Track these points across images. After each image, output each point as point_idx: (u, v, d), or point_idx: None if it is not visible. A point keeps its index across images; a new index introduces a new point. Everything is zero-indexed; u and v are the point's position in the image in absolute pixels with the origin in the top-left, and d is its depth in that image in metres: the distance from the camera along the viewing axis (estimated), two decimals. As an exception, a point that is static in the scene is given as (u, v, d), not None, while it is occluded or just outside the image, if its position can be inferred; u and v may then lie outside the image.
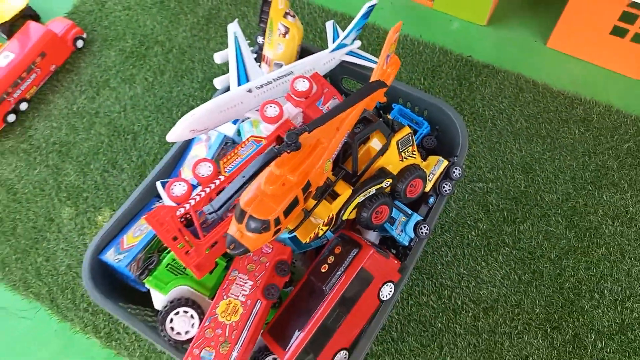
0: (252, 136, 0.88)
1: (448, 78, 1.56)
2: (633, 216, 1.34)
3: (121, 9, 1.79)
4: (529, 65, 1.59)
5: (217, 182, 0.84)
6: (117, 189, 1.46)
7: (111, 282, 1.01)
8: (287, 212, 0.73)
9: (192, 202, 0.82)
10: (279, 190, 0.72)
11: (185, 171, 1.07)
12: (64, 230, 1.42)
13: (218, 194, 0.81)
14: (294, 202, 0.74)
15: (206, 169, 0.85)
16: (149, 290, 0.99)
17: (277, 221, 0.73)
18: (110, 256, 0.97)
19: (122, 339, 1.27)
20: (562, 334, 1.21)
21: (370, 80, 0.84)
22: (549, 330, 1.22)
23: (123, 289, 1.02)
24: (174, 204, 0.83)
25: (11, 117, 1.57)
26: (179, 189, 0.83)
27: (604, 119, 1.48)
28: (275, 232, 0.74)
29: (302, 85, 0.89)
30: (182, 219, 0.84)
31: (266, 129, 0.90)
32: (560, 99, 1.51)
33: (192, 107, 1.56)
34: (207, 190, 0.83)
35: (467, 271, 1.30)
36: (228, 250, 0.74)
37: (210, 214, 0.71)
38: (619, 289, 1.26)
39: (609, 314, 1.23)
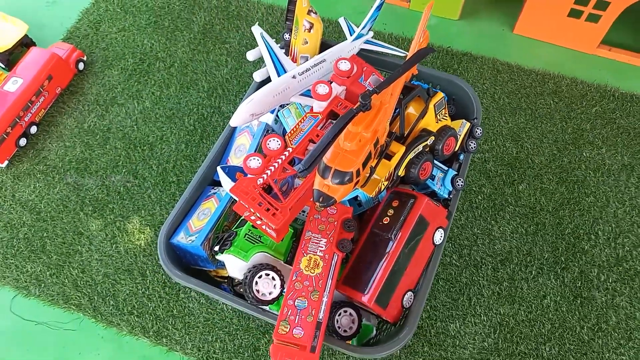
0: (309, 112, 0.99)
1: (434, 66, 1.74)
2: (610, 167, 1.54)
3: (116, 30, 1.86)
4: (501, 50, 1.79)
5: (287, 153, 0.95)
6: (142, 196, 1.52)
7: (180, 267, 1.08)
8: (364, 164, 0.85)
9: (269, 172, 0.92)
10: (357, 145, 0.84)
11: (233, 159, 1.17)
12: (95, 241, 1.45)
13: (290, 163, 0.91)
14: (369, 156, 0.86)
15: (275, 144, 0.95)
16: (211, 272, 1.07)
17: (357, 172, 0.84)
18: (182, 239, 1.04)
19: (171, 334, 1.32)
20: (570, 273, 1.38)
21: (410, 53, 0.98)
22: (559, 271, 1.39)
23: (190, 273, 1.09)
24: (231, 186, 0.92)
25: (23, 141, 1.59)
26: (255, 162, 0.93)
27: (572, 89, 1.69)
28: (356, 183, 0.86)
29: (345, 66, 1.02)
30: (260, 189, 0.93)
31: (319, 106, 1.01)
32: (533, 76, 1.72)
33: (204, 115, 1.65)
34: (280, 161, 0.94)
35: (480, 230, 1.45)
36: (317, 204, 0.85)
37: (301, 172, 0.81)
38: (610, 229, 1.44)
39: (606, 250, 1.41)
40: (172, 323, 1.33)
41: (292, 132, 0.97)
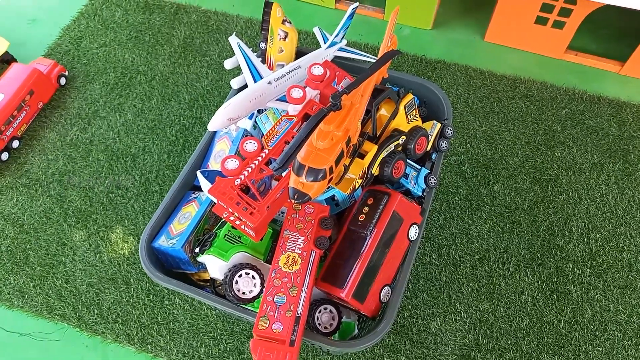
0: (284, 116, 1.03)
1: (408, 73, 1.79)
2: (581, 166, 1.60)
3: (97, 46, 1.89)
4: (473, 57, 1.85)
5: (263, 155, 0.98)
6: (126, 206, 1.53)
7: (163, 270, 1.10)
8: (337, 161, 0.89)
9: (246, 173, 0.96)
10: (329, 143, 0.88)
11: (213, 164, 1.20)
12: (79, 252, 1.46)
13: (266, 164, 0.95)
14: (341, 154, 0.90)
15: (252, 146, 0.99)
16: (193, 275, 1.09)
17: (331, 169, 0.88)
18: (164, 242, 1.06)
19: (156, 341, 1.33)
20: (546, 269, 1.42)
21: (379, 56, 1.02)
22: (535, 267, 1.43)
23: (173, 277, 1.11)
24: (209, 192, 0.95)
25: (4, 156, 1.60)
26: (232, 164, 0.96)
27: (542, 93, 1.76)
28: (329, 180, 0.89)
29: (318, 71, 1.06)
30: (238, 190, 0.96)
31: (294, 110, 1.05)
32: (504, 81, 1.78)
33: (185, 125, 1.68)
34: (257, 162, 0.97)
35: (458, 230, 1.49)
36: (293, 201, 0.88)
37: (276, 170, 0.84)
38: (583, 225, 1.49)
39: (580, 246, 1.46)
40: (157, 330, 1.34)
41: (268, 134, 1.01)
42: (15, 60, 1.81)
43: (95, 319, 1.36)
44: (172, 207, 1.13)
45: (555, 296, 1.38)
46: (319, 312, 1.02)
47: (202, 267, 1.09)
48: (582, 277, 1.41)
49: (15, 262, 1.45)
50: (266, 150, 0.99)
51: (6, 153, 1.61)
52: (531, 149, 1.63)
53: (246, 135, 1.21)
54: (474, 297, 1.38)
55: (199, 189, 1.16)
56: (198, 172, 1.09)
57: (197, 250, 1.01)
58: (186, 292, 1.01)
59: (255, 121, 1.23)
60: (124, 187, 1.57)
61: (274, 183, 1.03)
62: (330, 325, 1.02)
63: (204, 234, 1.10)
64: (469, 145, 1.64)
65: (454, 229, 1.49)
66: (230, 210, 0.93)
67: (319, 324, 1.02)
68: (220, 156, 1.19)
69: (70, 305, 1.38)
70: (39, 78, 1.67)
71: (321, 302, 1.02)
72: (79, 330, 1.36)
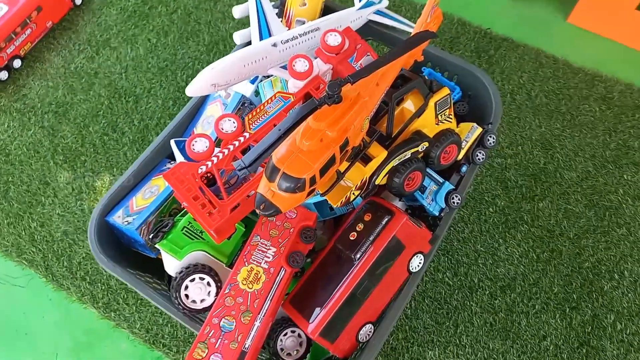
0: (279, 92, 0.81)
1: (466, 50, 1.50)
2: (654, 197, 1.30)
3: (122, -35, 1.68)
4: (548, 40, 1.53)
5: (242, 139, 0.78)
6: (118, 153, 1.38)
7: (117, 247, 0.95)
8: (323, 170, 0.67)
9: (215, 159, 0.76)
10: (316, 146, 0.66)
11: (199, 131, 1.00)
12: (60, 195, 1.34)
13: (243, 152, 0.74)
14: (331, 161, 0.68)
15: (230, 125, 0.78)
16: (157, 258, 0.93)
17: (313, 180, 0.67)
18: (119, 218, 0.90)
19: (121, 309, 1.21)
20: (580, 315, 1.18)
21: (411, 36, 0.77)
22: (567, 310, 1.19)
23: (129, 255, 0.96)
24: (164, 176, 0.76)
25: (3, 75, 1.47)
26: (201, 145, 0.76)
27: (625, 97, 1.43)
28: (309, 193, 0.68)
29: (334, 40, 0.83)
30: (203, 179, 0.77)
31: (294, 86, 0.83)
32: (581, 75, 1.46)
33: (199, 71, 1.48)
34: (231, 147, 0.77)
35: (484, 248, 1.25)
36: (257, 211, 0.68)
37: (240, 169, 0.64)
38: (639, 270, 1.22)
39: (629, 295, 1.20)
40: (124, 297, 1.22)
41: (253, 113, 0.79)
42: (31, -30, 1.64)
43: (64, 272, 1.25)
44: (141, 175, 0.96)
45: (584, 350, 1.15)
46: (284, 334, 0.84)
47: (163, 253, 0.93)
48: (624, 334, 1.16)
49: (-6, 194, 1.34)
50: (247, 134, 0.78)
51: (6, 72, 1.47)
52: (595, 165, 1.34)
53: (243, 103, 1.01)
54: (486, 331, 1.17)
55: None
56: (172, 141, 0.90)
57: (150, 236, 0.84)
58: (132, 286, 0.85)
59: (258, 87, 1.01)
60: (120, 131, 1.41)
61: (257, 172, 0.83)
62: (296, 351, 0.85)
63: (169, 215, 0.93)
64: (519, 147, 1.37)
65: (479, 246, 1.26)
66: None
67: (281, 349, 0.84)
68: (209, 123, 0.99)
69: (40, 252, 1.27)
70: (49, -7, 1.50)
71: (288, 323, 0.84)
72: (45, 281, 1.25)
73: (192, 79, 1.44)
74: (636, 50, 1.51)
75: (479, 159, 0.92)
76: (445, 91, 0.82)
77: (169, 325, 1.19)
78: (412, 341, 1.16)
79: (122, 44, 1.54)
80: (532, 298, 1.20)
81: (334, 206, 0.77)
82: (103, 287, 1.23)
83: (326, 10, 1.06)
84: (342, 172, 0.75)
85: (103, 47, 1.54)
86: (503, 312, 1.19)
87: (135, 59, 1.51)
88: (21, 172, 1.37)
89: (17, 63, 1.49)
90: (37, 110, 1.45)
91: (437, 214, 0.89)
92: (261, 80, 1.02)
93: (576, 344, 1.15)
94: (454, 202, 0.89)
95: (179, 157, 0.92)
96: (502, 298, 1.20)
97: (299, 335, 0.85)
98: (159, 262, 0.93)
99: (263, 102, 0.81)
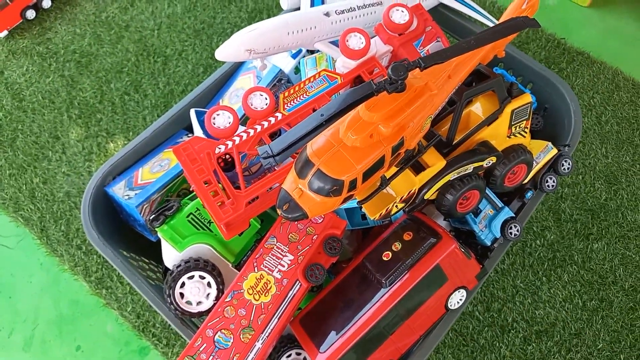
0: (324, 70, 0.67)
1: (535, 58, 1.33)
2: None
3: None
4: (631, 60, 1.36)
5: (273, 120, 0.64)
6: (137, 116, 1.27)
7: (114, 221, 0.83)
8: (367, 174, 0.54)
9: (237, 139, 0.62)
10: (365, 142, 0.52)
11: (225, 103, 0.87)
12: (69, 152, 1.23)
13: (271, 136, 0.61)
14: (379, 163, 0.54)
15: (261, 101, 0.65)
16: (158, 241, 0.81)
17: (353, 184, 0.53)
18: (119, 190, 0.78)
19: (114, 287, 1.10)
20: (626, 379, 1.02)
21: (502, 19, 0.63)
22: (610, 370, 1.03)
23: (126, 233, 0.84)
24: (174, 151, 0.63)
25: (30, 13, 1.36)
26: (223, 119, 0.63)
27: None
28: (346, 199, 0.55)
29: (401, 17, 0.68)
30: (220, 160, 0.64)
31: (344, 65, 0.69)
32: (662, 106, 1.29)
33: (236, 39, 1.36)
34: (258, 128, 0.63)
35: (524, 285, 1.10)
36: (279, 211, 0.54)
37: (265, 158, 0.51)
38: (701, 338, 1.06)
39: (685, 366, 1.04)
40: (119, 275, 1.11)
41: (291, 91, 0.66)
42: None
43: (59, 236, 1.15)
44: (152, 145, 0.83)
45: (624, 421, 1.00)
46: (288, 356, 0.71)
47: (163, 237, 0.80)
48: (673, 410, 1.00)
49: (0, 141, 1.24)
50: (279, 115, 0.64)
51: (33, 11, 1.37)
52: (666, 210, 1.17)
53: (280, 79, 0.87)
54: (513, 379, 1.03)
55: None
56: (192, 111, 0.77)
57: (150, 218, 0.71)
58: (122, 272, 0.73)
59: (299, 63, 0.87)
60: (142, 92, 1.29)
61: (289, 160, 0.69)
62: (299, 377, 0.72)
63: (177, 195, 0.80)
64: (580, 177, 1.21)
65: (518, 282, 1.10)
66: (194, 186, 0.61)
67: (282, 373, 0.71)
68: (238, 96, 0.86)
69: (39, 211, 1.17)
70: None
71: (294, 343, 0.71)
72: (38, 243, 1.15)
73: (228, 47, 1.33)
74: None
75: (548, 186, 0.77)
76: (527, 98, 0.67)
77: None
78: (428, 377, 1.02)
79: (160, -2, 1.42)
80: (571, 350, 1.05)
81: (372, 218, 0.63)
82: (98, 261, 1.12)
83: (391, -14, 0.91)
84: (387, 178, 0.60)
85: (139, -1, 1.42)
86: (536, 361, 1.04)
87: (171, 17, 1.39)
88: (32, 122, 1.27)
89: (46, 3, 1.38)
90: (59, 57, 1.34)
91: (488, 243, 0.75)
92: (304, 56, 0.88)
93: (616, 413, 1.00)
94: (511, 233, 0.74)
95: (197, 131, 0.79)
96: (537, 345, 1.05)
97: (305, 359, 0.72)
98: (159, 245, 0.81)
99: (303, 79, 0.67)
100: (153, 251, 0.85)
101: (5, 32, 1.35)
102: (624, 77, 1.33)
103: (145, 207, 0.76)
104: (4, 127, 1.26)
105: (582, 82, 1.32)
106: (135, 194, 0.76)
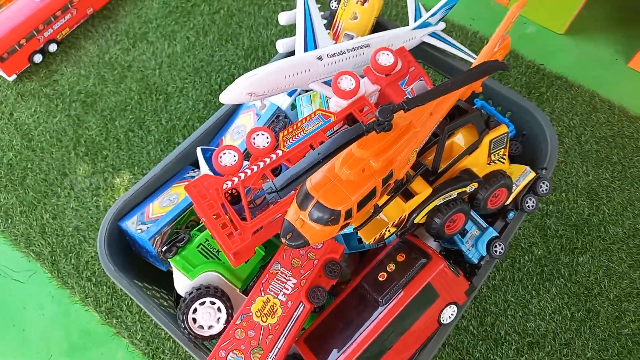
0: (319, 109, 0.74)
1: (516, 84, 1.42)
2: None
3: (170, -40, 1.65)
4: (605, 83, 1.44)
5: (274, 157, 0.71)
6: (141, 151, 1.33)
7: (127, 254, 0.89)
8: (361, 204, 0.60)
9: (242, 176, 0.69)
10: (357, 176, 0.59)
11: (227, 141, 0.94)
12: (77, 188, 1.29)
13: (273, 171, 0.67)
14: (371, 194, 0.61)
15: (263, 140, 0.71)
16: (169, 271, 0.86)
17: (349, 213, 0.59)
18: (132, 225, 0.84)
19: (124, 317, 1.15)
20: (615, 386, 1.08)
21: (476, 62, 0.70)
22: (600, 379, 1.08)
23: (138, 264, 0.89)
24: (186, 189, 0.70)
25: (38, 57, 1.44)
26: (229, 158, 0.70)
27: (684, 154, 1.33)
28: (343, 227, 0.61)
29: (386, 59, 0.76)
30: (227, 195, 0.71)
31: (336, 105, 0.76)
32: (637, 125, 1.37)
33: (234, 75, 1.43)
34: (261, 164, 0.70)
35: (515, 299, 1.16)
36: (283, 240, 0.61)
37: (270, 193, 0.57)
38: (685, 345, 1.12)
39: (671, 371, 1.09)
40: (128, 304, 1.16)
41: (289, 130, 0.73)
42: (80, -45, 1.62)
43: (70, 269, 1.20)
44: (161, 181, 0.90)
45: None
46: (294, 374, 0.77)
47: (174, 267, 0.86)
48: (662, 414, 1.05)
49: (11, 180, 1.30)
50: (279, 152, 0.71)
51: (40, 55, 1.44)
52: (645, 223, 1.24)
53: (278, 116, 0.94)
54: (509, 391, 1.08)
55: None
56: (198, 149, 0.84)
57: (162, 249, 0.77)
58: (136, 300, 0.79)
59: (295, 100, 0.95)
60: (146, 128, 1.36)
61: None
62: (304, 394, 0.77)
63: (186, 227, 0.86)
64: (563, 194, 1.28)
65: (509, 296, 1.16)
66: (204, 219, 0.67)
67: (289, 390, 0.76)
68: (239, 133, 0.93)
69: (49, 245, 1.22)
70: (94, -20, 1.47)
71: (299, 362, 0.77)
72: (49, 277, 1.20)
73: (226, 83, 1.41)
74: (700, 105, 1.41)
75: (528, 207, 0.83)
76: (503, 129, 0.75)
77: (171, 340, 1.12)
78: (427, 391, 1.07)
79: (159, 39, 1.50)
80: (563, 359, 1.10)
81: (367, 242, 0.70)
82: (108, 291, 1.17)
83: (377, 27, 1.00)
84: (379, 206, 0.67)
85: (140, 40, 1.50)
86: (529, 372, 1.09)
87: (171, 56, 1.47)
88: (41, 160, 1.33)
89: (52, 47, 1.46)
90: (66, 98, 1.41)
91: (476, 261, 0.81)
92: (299, 94, 0.96)
93: (608, 419, 1.05)
94: (496, 251, 0.80)
95: (203, 167, 0.85)
96: (529, 356, 1.11)
97: (310, 377, 0.77)
98: (169, 275, 0.86)
99: (300, 119, 0.74)
100: (164, 281, 0.91)
101: (14, 76, 1.42)
102: (600, 99, 1.41)
103: (157, 239, 0.82)
104: (15, 166, 1.32)
105: (562, 105, 1.40)
106: (148, 227, 0.82)
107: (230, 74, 1.44)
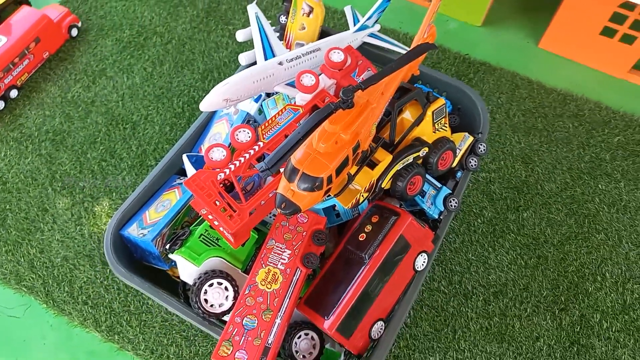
0: (288, 105, 0.87)
1: (448, 74, 1.60)
2: (627, 204, 1.40)
3: None
4: (522, 64, 1.65)
5: (257, 148, 0.83)
6: (116, 178, 1.41)
7: (129, 262, 0.97)
8: (338, 170, 0.73)
9: (232, 167, 0.81)
10: (332, 147, 0.72)
11: (206, 148, 1.05)
12: (59, 220, 1.35)
13: (258, 160, 0.80)
14: (345, 161, 0.74)
15: (245, 136, 0.84)
16: (167, 271, 0.96)
17: (330, 179, 0.72)
18: (134, 231, 0.93)
19: (125, 332, 1.21)
20: (569, 315, 1.24)
21: (411, 47, 0.85)
22: (556, 312, 1.25)
23: (142, 271, 0.98)
24: (185, 184, 0.81)
25: (0, 105, 1.49)
26: (218, 154, 0.81)
27: (594, 114, 1.55)
28: (326, 192, 0.74)
29: (337, 57, 0.90)
30: (221, 186, 0.82)
31: (302, 99, 0.89)
32: (554, 95, 1.58)
33: (194, 98, 1.54)
34: (247, 156, 0.82)
35: (475, 257, 1.32)
36: (279, 210, 0.73)
37: (262, 171, 0.69)
38: (619, 271, 1.30)
39: (612, 295, 1.27)
40: (127, 319, 1.22)
41: (266, 124, 0.85)
42: (28, 4, 1.69)
43: (65, 297, 1.25)
44: (152, 191, 1.00)
45: (575, 349, 1.21)
46: (298, 337, 0.88)
47: (175, 264, 0.95)
48: (610, 332, 1.22)
49: (-9, 222, 1.34)
50: (260, 143, 0.84)
51: (2, 102, 1.50)
52: (572, 176, 1.44)
53: (248, 120, 1.06)
54: (482, 335, 1.22)
55: (186, 174, 1.02)
56: (184, 156, 0.94)
57: (167, 246, 0.87)
58: (150, 294, 0.88)
59: (262, 105, 1.07)
60: (118, 157, 1.44)
61: (269, 179, 0.88)
62: (310, 354, 0.88)
63: (182, 228, 0.96)
64: (502, 162, 1.46)
65: (470, 255, 1.32)
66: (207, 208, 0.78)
67: (296, 352, 0.87)
68: (216, 140, 1.05)
69: (40, 278, 1.27)
70: (47, 25, 1.55)
71: (301, 326, 0.88)
72: (45, 307, 1.25)
73: (188, 106, 1.52)
74: (602, 72, 1.64)
75: (472, 165, 0.99)
76: (441, 101, 0.90)
77: (174, 345, 1.20)
78: (413, 349, 1.20)
79: (118, 73, 1.59)
80: (524, 302, 1.26)
81: (345, 207, 0.82)
82: (105, 311, 1.23)
83: (323, 34, 1.14)
84: (352, 174, 0.80)
85: (99, 76, 1.58)
86: (497, 317, 1.24)
87: (131, 87, 1.56)
88: (19, 200, 1.38)
89: (13, 93, 1.52)
90: (34, 139, 1.47)
91: (436, 216, 0.95)
92: (264, 99, 1.08)
93: (567, 343, 1.21)
94: (451, 205, 0.95)
95: (191, 171, 0.96)
96: (496, 303, 1.26)
97: (312, 338, 0.88)
98: (169, 278, 0.96)
99: (274, 114, 0.86)
100: (164, 284, 1.00)
101: (-21, 125, 1.47)
102: (521, 77, 1.62)
103: (158, 240, 0.92)
104: (-7, 209, 1.36)
105: (489, 87, 1.60)
106: (148, 231, 0.92)
107: (191, 96, 1.55)
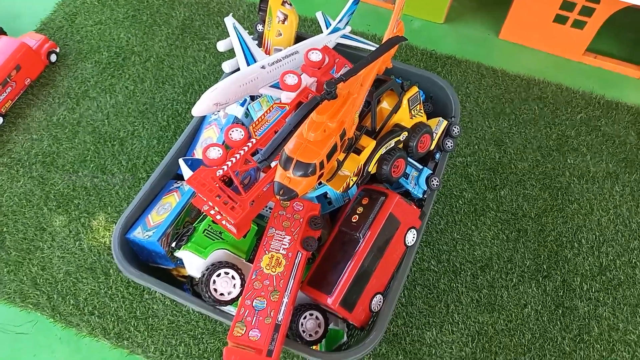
0: (275, 103, 0.94)
1: (416, 67, 1.69)
2: (594, 175, 1.50)
3: (92, 23, 1.80)
4: (486, 55, 1.76)
5: (250, 144, 0.89)
6: (110, 192, 1.45)
7: (136, 265, 1.02)
8: (329, 156, 0.80)
9: (230, 163, 0.87)
10: (321, 135, 0.79)
11: (199, 152, 1.11)
12: (58, 238, 1.39)
13: (252, 155, 0.86)
14: (334, 148, 0.81)
15: (238, 134, 0.90)
16: (172, 271, 1.01)
17: (322, 165, 0.79)
18: (139, 234, 0.98)
19: (133, 337, 1.25)
20: (552, 281, 1.33)
21: (382, 42, 0.93)
22: (540, 279, 1.33)
23: (147, 273, 1.03)
24: (188, 182, 0.87)
25: (-13, 133, 1.53)
26: (215, 152, 0.88)
27: (557, 95, 1.66)
28: (319, 176, 0.80)
29: (316, 56, 0.97)
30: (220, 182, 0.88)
31: (287, 97, 0.96)
32: (518, 81, 1.69)
33: (178, 111, 1.60)
34: (242, 152, 0.88)
35: (460, 236, 1.40)
36: (277, 197, 0.79)
37: (260, 162, 0.76)
38: (594, 237, 1.40)
39: (589, 259, 1.36)
40: (135, 325, 1.26)
41: (257, 122, 0.92)
42: (4, 34, 1.73)
43: (71, 309, 1.29)
44: (152, 196, 1.05)
45: (560, 311, 1.29)
46: (304, 318, 0.94)
47: (180, 263, 1.01)
48: (590, 293, 1.32)
49: (-10, 246, 1.37)
50: (253, 140, 0.90)
51: (-11, 130, 1.53)
52: (542, 154, 1.54)
53: (235, 123, 1.12)
54: (474, 307, 1.30)
55: (182, 178, 1.07)
56: (180, 160, 1.00)
57: (173, 244, 0.93)
58: (161, 290, 0.93)
59: (247, 108, 1.14)
60: (109, 172, 1.48)
61: (262, 175, 0.94)
62: (316, 332, 0.94)
63: (183, 227, 1.02)
64: (476, 146, 1.55)
65: (455, 235, 1.40)
66: (210, 203, 0.84)
67: (303, 331, 0.93)
68: (208, 144, 1.10)
69: (45, 294, 1.30)
70: (27, 53, 1.59)
71: (306, 307, 0.94)
72: (52, 322, 1.28)
73: (172, 119, 1.58)
74: (559, 56, 1.75)
75: (448, 147, 1.07)
76: (415, 89, 0.98)
77: (183, 344, 1.24)
78: (410, 325, 1.27)
79: (100, 93, 1.64)
80: (509, 273, 1.34)
81: (337, 192, 0.89)
82: (113, 319, 1.27)
83: (298, 39, 1.22)
84: (341, 160, 0.87)
85: (82, 98, 1.63)
86: (486, 289, 1.32)
87: (115, 106, 1.61)
88: (15, 222, 1.41)
89: (-1, 121, 1.55)
90: (24, 162, 1.51)
91: (421, 195, 1.03)
92: (249, 103, 1.15)
93: (553, 307, 1.30)
94: (433, 184, 1.03)
95: (187, 174, 1.02)
96: (483, 277, 1.34)
97: (317, 318, 0.95)
98: (173, 280, 1.01)
99: (263, 112, 0.93)
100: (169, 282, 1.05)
101: (-32, 154, 1.50)
102: (485, 67, 1.72)
103: (163, 240, 0.97)
104: (-10, 233, 1.39)
105: (457, 78, 1.69)
106: (153, 232, 0.97)
107: (175, 110, 1.60)
